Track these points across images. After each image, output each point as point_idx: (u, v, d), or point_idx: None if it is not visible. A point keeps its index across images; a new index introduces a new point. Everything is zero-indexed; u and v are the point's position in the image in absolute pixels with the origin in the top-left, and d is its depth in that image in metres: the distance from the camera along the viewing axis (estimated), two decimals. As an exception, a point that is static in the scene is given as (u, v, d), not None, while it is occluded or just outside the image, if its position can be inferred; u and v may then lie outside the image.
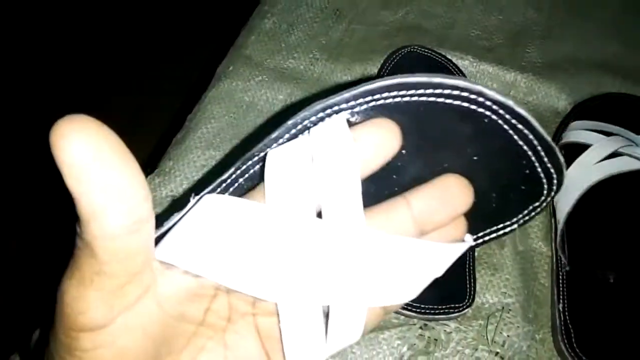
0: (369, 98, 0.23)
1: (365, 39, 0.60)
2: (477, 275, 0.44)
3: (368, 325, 0.25)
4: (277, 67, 0.57)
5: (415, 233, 0.24)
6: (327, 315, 0.23)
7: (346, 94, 0.23)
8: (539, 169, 0.24)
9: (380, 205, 0.25)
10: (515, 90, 0.54)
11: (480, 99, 0.23)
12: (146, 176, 0.49)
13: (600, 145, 0.44)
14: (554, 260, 0.45)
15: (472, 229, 0.26)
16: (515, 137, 0.24)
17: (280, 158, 0.23)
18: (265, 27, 0.60)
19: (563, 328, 0.41)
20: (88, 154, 0.16)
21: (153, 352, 0.21)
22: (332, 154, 0.22)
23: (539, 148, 0.24)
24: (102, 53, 0.49)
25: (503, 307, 0.43)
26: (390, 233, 0.22)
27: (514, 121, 0.23)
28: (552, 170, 0.24)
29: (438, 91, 0.23)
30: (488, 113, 0.23)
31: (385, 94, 0.23)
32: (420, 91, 0.23)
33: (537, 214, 0.26)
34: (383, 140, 0.22)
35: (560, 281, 0.43)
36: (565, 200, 0.44)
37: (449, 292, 0.42)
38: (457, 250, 0.25)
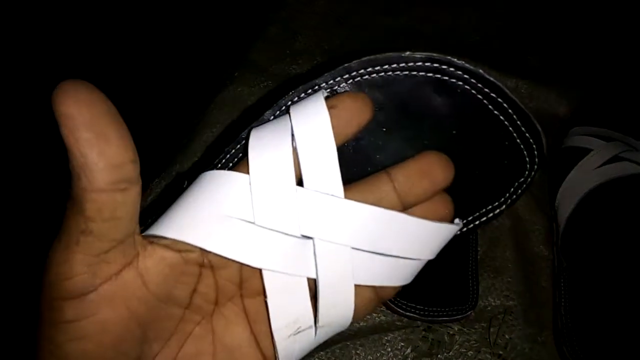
0: (347, 76, 0.25)
1: (367, 44, 0.61)
2: (480, 278, 0.44)
3: (360, 309, 0.25)
4: (281, 72, 0.58)
5: (398, 206, 0.24)
6: (315, 297, 0.24)
7: (326, 74, 0.25)
8: (518, 140, 0.25)
9: (363, 180, 0.25)
10: (516, 96, 0.55)
11: (451, 69, 0.24)
12: (153, 180, 0.50)
13: (600, 150, 0.45)
14: (555, 263, 0.45)
15: (460, 213, 0.26)
16: (490, 106, 0.24)
17: (262, 132, 0.24)
18: (270, 34, 0.61)
19: (565, 330, 0.41)
20: (80, 107, 0.18)
21: (140, 335, 0.21)
22: (309, 123, 0.23)
23: (515, 116, 0.24)
24: (107, 56, 0.49)
25: (505, 310, 0.44)
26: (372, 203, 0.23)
27: (486, 90, 0.24)
28: (530, 139, 0.24)
29: (410, 64, 0.24)
30: (460, 83, 0.24)
31: (362, 71, 0.25)
32: (394, 66, 0.24)
33: (523, 191, 0.26)
34: (356, 107, 0.24)
35: (562, 284, 0.44)
36: (566, 204, 0.45)
37: (452, 295, 0.42)
38: (446, 231, 0.24)
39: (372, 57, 0.24)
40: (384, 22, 0.63)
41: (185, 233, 0.22)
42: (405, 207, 0.25)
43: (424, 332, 0.43)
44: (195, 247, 0.22)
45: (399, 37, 0.61)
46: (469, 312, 0.42)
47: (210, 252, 0.22)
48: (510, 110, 0.24)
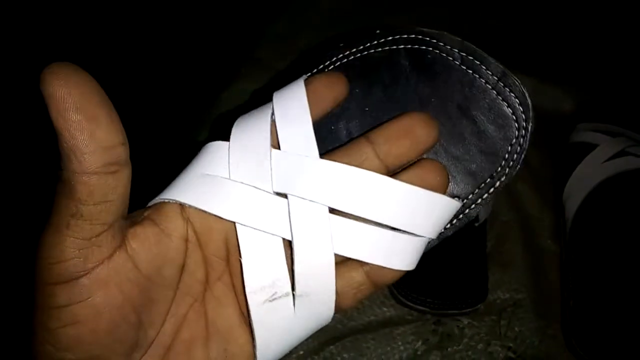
0: (327, 62, 0.26)
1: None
2: (489, 272, 0.44)
3: (349, 292, 0.24)
4: (286, 70, 0.58)
5: (382, 170, 0.24)
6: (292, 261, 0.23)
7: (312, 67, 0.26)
8: (499, 98, 0.24)
9: (342, 147, 0.25)
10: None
11: (419, 37, 0.24)
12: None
13: (606, 145, 0.46)
14: (563, 257, 0.45)
15: (460, 192, 0.25)
16: (463, 67, 0.24)
17: (247, 114, 0.25)
18: (275, 31, 0.61)
19: (573, 323, 0.42)
20: (70, 88, 0.18)
21: (134, 320, 0.21)
22: (286, 96, 0.24)
23: (491, 75, 0.24)
24: (113, 55, 0.49)
25: (515, 303, 0.44)
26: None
27: (461, 53, 0.24)
28: (513, 96, 0.24)
29: (382, 40, 0.25)
30: (430, 49, 0.24)
31: (340, 56, 0.26)
32: (368, 45, 0.25)
33: (520, 155, 0.24)
34: (330, 81, 0.24)
35: (570, 278, 0.44)
36: (574, 199, 0.45)
37: (462, 288, 0.43)
38: (441, 203, 0.23)
39: (348, 42, 0.26)
40: (387, 21, 0.63)
41: (166, 193, 0.23)
42: (389, 172, 0.24)
43: (433, 326, 0.43)
44: (177, 216, 0.23)
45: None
46: (479, 305, 0.42)
47: (193, 223, 0.23)
48: (486, 69, 0.24)
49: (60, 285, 0.19)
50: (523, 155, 0.24)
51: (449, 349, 0.42)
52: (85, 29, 0.51)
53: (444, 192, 0.24)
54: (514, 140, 0.24)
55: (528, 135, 0.24)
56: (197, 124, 0.55)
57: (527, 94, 0.24)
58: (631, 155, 0.45)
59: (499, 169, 0.25)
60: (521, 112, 0.24)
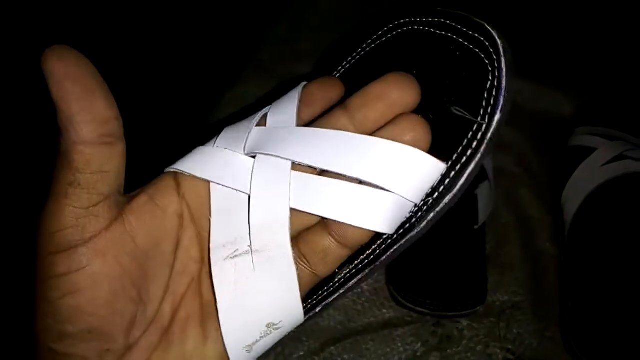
0: (340, 68, 0.28)
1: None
2: (488, 275, 0.45)
3: (316, 258, 0.23)
4: (287, 72, 0.58)
5: (355, 130, 0.23)
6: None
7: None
8: (467, 44, 0.23)
9: (319, 118, 0.25)
10: (521, 97, 0.56)
11: (401, 20, 0.26)
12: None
13: (605, 149, 0.46)
14: (562, 259, 0.46)
15: (444, 154, 0.22)
16: (437, 31, 0.24)
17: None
18: (277, 34, 0.62)
19: (572, 325, 0.42)
20: (68, 65, 0.19)
21: (134, 295, 0.22)
22: (283, 98, 0.26)
23: (451, 22, 0.24)
24: (115, 57, 0.50)
25: (514, 305, 0.44)
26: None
27: (432, 20, 0.24)
28: (480, 38, 0.22)
29: (374, 36, 0.27)
30: (411, 27, 0.25)
31: (349, 59, 0.28)
32: (364, 44, 0.28)
33: (498, 94, 0.21)
34: (324, 85, 0.26)
35: (568, 280, 0.44)
36: (573, 202, 0.45)
37: (461, 290, 0.43)
38: (416, 158, 0.21)
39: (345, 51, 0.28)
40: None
41: (189, 166, 0.24)
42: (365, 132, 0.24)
43: (433, 328, 0.43)
44: (172, 192, 0.24)
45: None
46: (478, 307, 0.43)
47: (187, 200, 0.24)
48: (446, 20, 0.24)
49: (60, 254, 0.20)
50: (502, 96, 0.21)
51: (448, 351, 0.43)
52: (90, 30, 0.51)
53: (425, 148, 0.22)
54: (489, 84, 0.22)
55: (503, 71, 0.22)
56: (199, 126, 0.56)
57: (495, 35, 0.22)
58: (629, 159, 0.45)
59: (479, 119, 0.22)
60: (491, 52, 0.22)
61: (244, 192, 0.23)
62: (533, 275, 0.46)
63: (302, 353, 0.42)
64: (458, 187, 0.22)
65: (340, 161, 0.22)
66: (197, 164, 0.24)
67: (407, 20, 0.26)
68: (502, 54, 0.22)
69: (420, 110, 0.23)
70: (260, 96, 0.56)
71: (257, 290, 0.23)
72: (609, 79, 0.56)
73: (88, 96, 0.19)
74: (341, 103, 0.24)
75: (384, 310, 0.44)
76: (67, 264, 0.20)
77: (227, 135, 0.25)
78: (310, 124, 0.25)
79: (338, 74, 0.28)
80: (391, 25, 0.26)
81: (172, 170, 0.24)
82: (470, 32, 0.23)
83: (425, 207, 0.23)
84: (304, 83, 0.26)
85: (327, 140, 0.22)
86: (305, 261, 0.24)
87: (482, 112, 0.22)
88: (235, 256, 0.23)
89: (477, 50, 0.22)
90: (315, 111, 0.25)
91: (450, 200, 0.22)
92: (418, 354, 0.42)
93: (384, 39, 0.27)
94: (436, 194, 0.23)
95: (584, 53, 0.59)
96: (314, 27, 0.62)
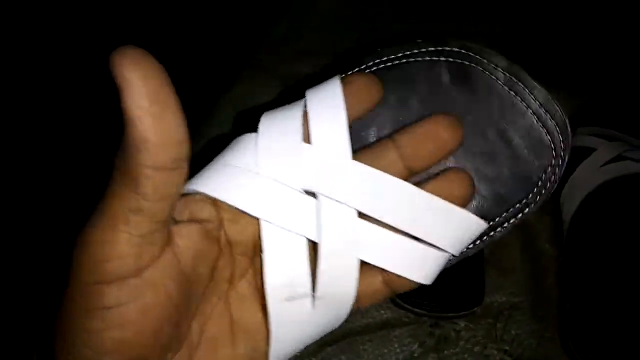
0: (364, 67, 0.26)
1: (373, 45, 0.61)
2: (486, 276, 0.45)
3: (366, 296, 0.23)
4: (288, 72, 0.58)
5: (404, 171, 0.23)
6: (316, 263, 0.23)
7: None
8: (539, 124, 0.23)
9: (368, 148, 0.24)
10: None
11: (464, 51, 0.24)
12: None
13: (604, 149, 0.46)
14: (561, 260, 0.46)
15: (488, 213, 0.25)
16: (506, 88, 0.23)
17: (275, 110, 0.24)
18: (277, 34, 0.62)
19: (571, 327, 0.42)
20: (146, 76, 0.17)
21: (176, 319, 0.20)
22: (321, 92, 0.23)
23: (533, 99, 0.23)
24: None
25: (512, 306, 0.44)
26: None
27: (504, 73, 0.23)
28: (553, 123, 0.23)
29: (423, 50, 0.25)
30: (473, 65, 0.24)
31: (378, 61, 0.26)
32: (408, 53, 0.25)
33: (553, 184, 0.23)
34: (370, 84, 0.24)
35: (567, 282, 0.44)
36: (572, 202, 0.45)
37: (459, 291, 0.43)
38: (464, 219, 0.22)
39: (384, 50, 0.25)
40: (390, 24, 0.64)
41: (194, 184, 0.22)
42: (412, 174, 0.24)
43: (430, 329, 0.43)
44: (213, 213, 0.22)
45: (405, 39, 0.62)
46: (476, 309, 0.43)
47: (226, 222, 0.23)
48: (530, 95, 0.23)
49: (110, 285, 0.18)
50: (556, 185, 0.24)
51: (445, 352, 0.42)
52: (88, 30, 0.52)
53: (467, 202, 0.23)
54: (549, 169, 0.24)
55: (564, 165, 0.24)
56: (199, 126, 0.56)
57: (568, 123, 0.23)
58: (629, 160, 0.45)
59: (530, 195, 0.24)
60: (560, 140, 0.23)
61: (303, 235, 0.22)
62: (532, 276, 0.46)
63: (299, 354, 0.42)
64: (486, 244, 0.25)
65: (403, 218, 0.22)
66: (243, 193, 0.21)
67: (465, 53, 0.24)
68: (569, 152, 0.23)
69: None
70: (260, 96, 0.56)
71: (310, 330, 0.23)
72: (609, 79, 0.56)
73: (165, 114, 0.17)
74: (389, 137, 0.24)
75: (382, 311, 0.44)
76: (117, 296, 0.18)
77: (270, 154, 0.22)
78: (354, 131, 0.24)
79: (369, 70, 0.27)
80: (442, 49, 0.25)
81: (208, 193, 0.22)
82: (547, 115, 0.23)
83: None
84: (341, 76, 0.24)
85: (390, 191, 0.22)
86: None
87: (531, 192, 0.24)
88: (293, 298, 0.22)
89: (549, 140, 0.23)
90: (357, 113, 0.24)
91: (474, 252, 0.25)
92: (415, 355, 0.42)
93: (434, 58, 0.25)
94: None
95: (584, 53, 0.59)
96: (314, 27, 0.62)
